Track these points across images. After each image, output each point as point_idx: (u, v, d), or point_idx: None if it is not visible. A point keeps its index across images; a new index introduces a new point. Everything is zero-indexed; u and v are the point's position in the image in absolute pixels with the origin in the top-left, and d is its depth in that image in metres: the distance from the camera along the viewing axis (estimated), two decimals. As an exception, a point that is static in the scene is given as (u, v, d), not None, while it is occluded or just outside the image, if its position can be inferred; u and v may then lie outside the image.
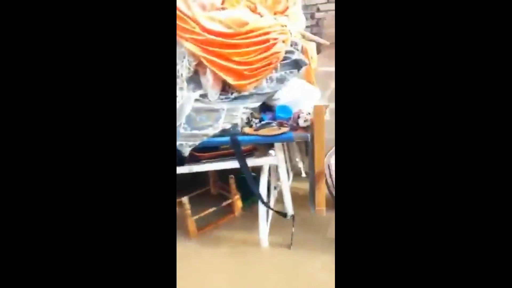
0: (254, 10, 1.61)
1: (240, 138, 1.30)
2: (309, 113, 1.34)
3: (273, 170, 1.66)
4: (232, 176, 1.64)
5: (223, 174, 1.73)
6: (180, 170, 1.46)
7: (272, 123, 1.35)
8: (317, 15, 2.46)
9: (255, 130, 1.33)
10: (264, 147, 1.46)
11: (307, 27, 2.05)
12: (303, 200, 1.58)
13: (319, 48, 1.91)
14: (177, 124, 1.30)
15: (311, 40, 1.78)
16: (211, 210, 1.59)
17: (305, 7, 2.20)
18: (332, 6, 2.40)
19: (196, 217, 1.52)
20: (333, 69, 2.41)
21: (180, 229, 1.54)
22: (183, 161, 1.43)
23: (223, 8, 1.45)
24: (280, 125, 1.34)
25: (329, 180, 1.66)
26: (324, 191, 1.45)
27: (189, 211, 1.49)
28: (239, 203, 1.70)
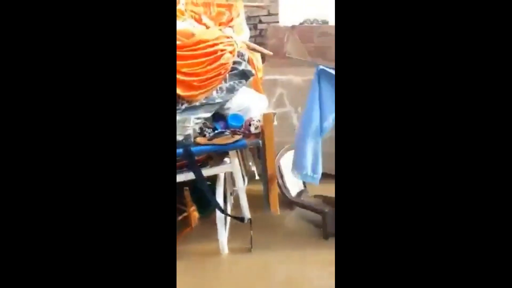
0: (199, 21, 1.63)
1: (194, 148, 1.30)
2: (259, 120, 1.42)
3: (228, 176, 1.69)
4: (186, 188, 1.61)
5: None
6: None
7: (225, 131, 1.39)
8: (260, 26, 2.61)
9: (208, 139, 1.34)
10: (218, 155, 1.49)
11: (251, 37, 2.16)
12: (258, 201, 1.65)
13: (264, 57, 2.03)
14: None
15: (254, 50, 1.89)
16: (166, 225, 1.52)
17: (248, 18, 2.31)
18: (272, 18, 2.58)
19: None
20: (276, 77, 2.58)
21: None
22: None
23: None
24: (233, 133, 1.39)
25: (280, 181, 1.77)
26: (276, 193, 1.55)
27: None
28: (195, 215, 1.67)
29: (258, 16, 2.54)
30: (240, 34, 1.76)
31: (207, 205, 1.68)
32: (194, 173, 1.32)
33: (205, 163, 1.44)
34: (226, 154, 1.47)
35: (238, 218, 1.50)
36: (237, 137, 1.35)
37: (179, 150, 1.29)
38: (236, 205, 1.70)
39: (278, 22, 2.57)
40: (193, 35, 1.36)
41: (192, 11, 1.62)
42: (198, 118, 1.34)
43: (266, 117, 1.40)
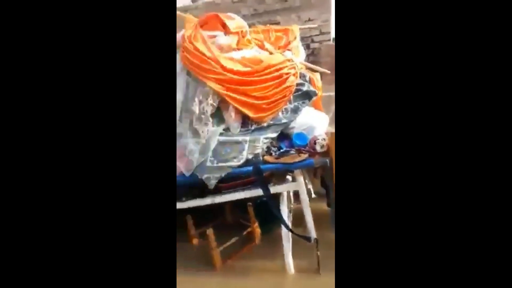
0: (262, 47, 1.75)
1: (263, 166, 1.36)
2: (324, 139, 1.43)
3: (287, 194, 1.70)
4: (250, 203, 1.67)
5: (238, 202, 1.75)
6: (203, 201, 1.49)
7: (290, 150, 1.43)
8: (312, 45, 2.67)
9: (276, 158, 1.40)
10: (280, 173, 1.52)
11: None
12: (316, 220, 1.61)
13: (320, 75, 2.06)
14: (204, 157, 1.35)
15: (312, 70, 1.93)
16: (233, 240, 1.59)
17: (301, 38, 2.40)
18: (324, 37, 2.63)
19: (221, 248, 1.52)
20: (331, 93, 2.58)
21: (204, 262, 1.53)
22: (206, 193, 1.47)
23: (238, 49, 1.58)
24: (299, 152, 1.42)
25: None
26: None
27: (215, 243, 1.49)
28: (258, 231, 1.72)
29: (310, 36, 2.61)
30: (298, 56, 1.84)
31: (268, 222, 1.71)
32: (263, 190, 1.37)
33: (269, 180, 1.49)
34: (287, 172, 1.50)
35: (304, 238, 1.49)
36: (303, 156, 1.38)
37: (249, 168, 1.36)
38: (295, 223, 1.69)
39: (330, 40, 2.61)
40: (261, 61, 1.47)
41: (255, 38, 1.76)
42: (266, 138, 1.41)
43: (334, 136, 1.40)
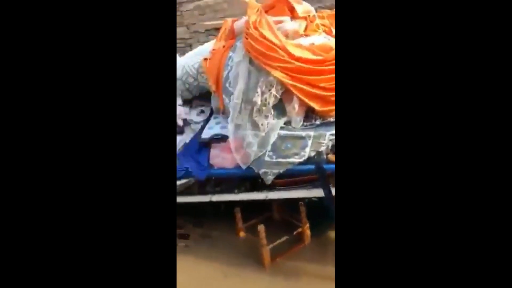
0: (329, 33, 1.59)
1: (326, 166, 1.24)
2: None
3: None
4: (301, 203, 1.57)
5: (287, 200, 1.67)
6: (257, 196, 1.44)
7: (358, 151, 1.28)
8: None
9: (342, 158, 1.26)
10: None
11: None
12: None
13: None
14: (262, 151, 1.28)
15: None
16: (283, 239, 1.52)
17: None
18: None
19: (271, 246, 1.46)
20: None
21: (251, 257, 1.49)
22: (260, 187, 1.41)
23: (306, 35, 1.45)
24: (368, 153, 1.26)
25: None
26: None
27: (265, 240, 1.44)
28: (309, 232, 1.62)
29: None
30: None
31: (318, 224, 1.60)
32: (325, 192, 1.26)
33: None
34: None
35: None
36: (374, 158, 1.22)
37: (310, 166, 1.26)
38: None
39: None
40: (332, 49, 1.32)
41: (322, 24, 1.60)
42: (332, 135, 1.28)
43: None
